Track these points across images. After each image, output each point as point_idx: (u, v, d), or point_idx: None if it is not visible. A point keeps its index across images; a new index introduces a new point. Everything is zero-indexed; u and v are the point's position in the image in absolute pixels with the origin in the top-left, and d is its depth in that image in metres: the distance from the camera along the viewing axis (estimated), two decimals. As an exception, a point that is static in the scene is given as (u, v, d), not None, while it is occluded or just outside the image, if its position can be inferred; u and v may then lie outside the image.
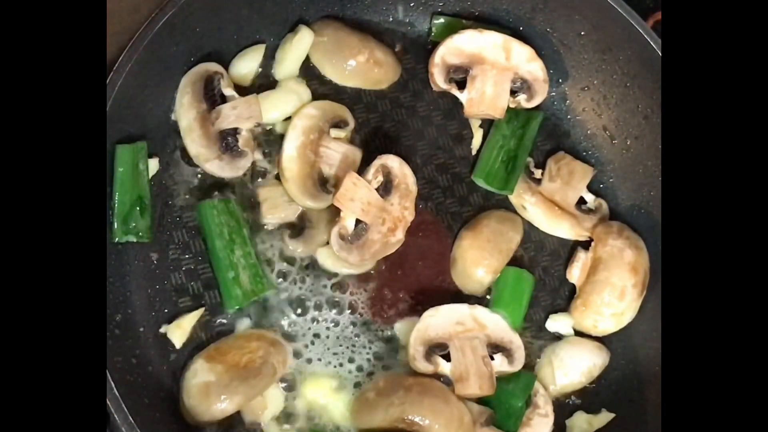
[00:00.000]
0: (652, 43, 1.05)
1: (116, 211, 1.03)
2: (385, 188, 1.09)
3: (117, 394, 0.91)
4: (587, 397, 1.12)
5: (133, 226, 1.04)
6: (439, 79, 1.16)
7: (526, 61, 1.15)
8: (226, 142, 1.10)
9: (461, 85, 1.17)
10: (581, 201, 1.19)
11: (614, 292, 1.10)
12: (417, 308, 1.10)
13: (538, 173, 1.19)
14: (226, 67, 1.14)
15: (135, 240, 1.04)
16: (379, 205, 1.08)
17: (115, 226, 1.03)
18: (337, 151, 1.13)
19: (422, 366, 1.07)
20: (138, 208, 1.04)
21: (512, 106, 1.17)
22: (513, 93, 1.16)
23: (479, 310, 1.08)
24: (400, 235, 1.10)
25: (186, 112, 1.09)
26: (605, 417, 1.10)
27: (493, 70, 1.14)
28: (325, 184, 1.13)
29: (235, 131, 1.11)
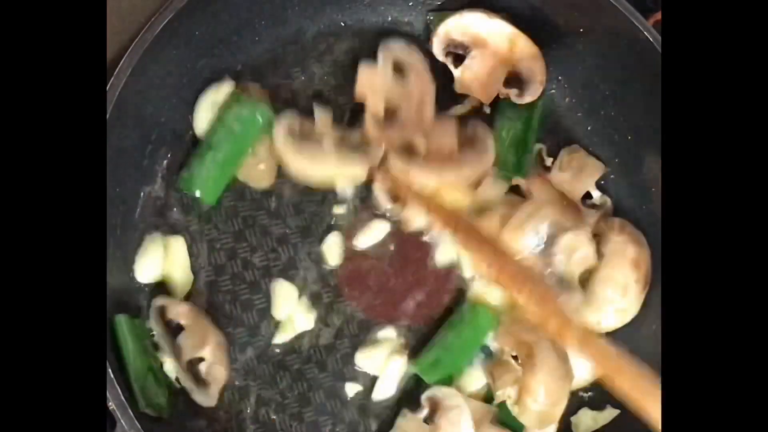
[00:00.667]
0: (652, 41, 1.04)
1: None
2: (400, 73, 1.12)
3: (123, 399, 0.92)
4: (592, 394, 1.13)
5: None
6: (437, 50, 1.16)
7: (528, 58, 1.14)
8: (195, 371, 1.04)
9: (460, 58, 1.16)
10: (586, 196, 1.18)
11: (617, 288, 1.11)
12: (419, 308, 1.11)
13: (549, 161, 1.18)
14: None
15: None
16: (399, 86, 1.10)
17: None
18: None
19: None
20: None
21: (501, 96, 1.17)
22: (507, 83, 1.16)
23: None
24: (430, 110, 1.11)
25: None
26: (610, 413, 1.11)
27: (492, 58, 1.14)
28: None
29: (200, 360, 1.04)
